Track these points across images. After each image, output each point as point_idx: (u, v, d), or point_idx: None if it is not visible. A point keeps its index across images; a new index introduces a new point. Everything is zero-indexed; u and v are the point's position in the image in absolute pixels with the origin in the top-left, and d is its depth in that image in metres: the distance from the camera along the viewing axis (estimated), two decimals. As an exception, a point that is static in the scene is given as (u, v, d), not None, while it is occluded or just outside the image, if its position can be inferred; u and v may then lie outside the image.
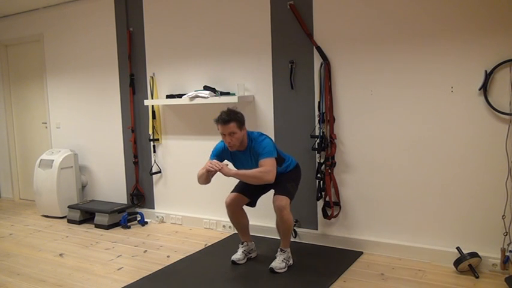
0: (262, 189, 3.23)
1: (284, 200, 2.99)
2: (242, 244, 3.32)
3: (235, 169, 3.08)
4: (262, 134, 3.10)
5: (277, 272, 3.03)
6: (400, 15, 3.16)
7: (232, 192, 3.23)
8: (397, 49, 3.20)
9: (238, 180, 3.23)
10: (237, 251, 3.31)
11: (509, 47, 2.82)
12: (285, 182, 3.11)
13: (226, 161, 3.16)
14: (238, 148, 3.05)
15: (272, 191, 3.12)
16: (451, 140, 3.07)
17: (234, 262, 3.23)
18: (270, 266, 3.07)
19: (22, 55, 5.68)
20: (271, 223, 3.82)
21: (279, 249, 3.16)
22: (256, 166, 2.99)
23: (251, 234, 3.42)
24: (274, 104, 3.73)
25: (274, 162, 2.97)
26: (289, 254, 3.16)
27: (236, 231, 3.42)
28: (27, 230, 4.48)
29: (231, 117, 2.93)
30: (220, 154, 3.15)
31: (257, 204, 3.33)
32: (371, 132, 3.36)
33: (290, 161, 3.23)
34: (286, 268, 3.08)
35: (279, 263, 3.08)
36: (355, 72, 3.37)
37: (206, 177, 3.02)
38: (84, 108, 5.08)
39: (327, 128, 3.49)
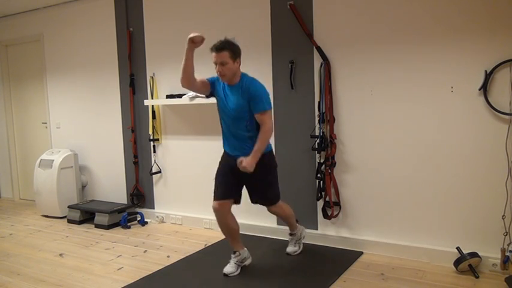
0: (242, 184, 3.07)
1: (273, 207, 3.16)
2: (234, 254, 3.08)
3: (250, 157, 2.82)
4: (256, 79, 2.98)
5: (292, 255, 3.35)
6: (400, 15, 3.16)
7: (215, 199, 2.99)
8: (397, 49, 3.20)
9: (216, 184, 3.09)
10: (229, 262, 3.09)
11: (509, 47, 2.82)
12: (265, 188, 3.06)
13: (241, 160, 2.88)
14: (229, 82, 2.92)
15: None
16: (450, 140, 3.07)
17: (225, 275, 3.01)
18: (286, 251, 3.40)
19: (22, 55, 5.68)
20: (271, 223, 3.83)
21: (288, 234, 3.41)
22: (244, 105, 2.87)
23: (251, 234, 3.42)
24: (274, 104, 3.72)
25: (271, 114, 2.90)
26: (299, 233, 3.42)
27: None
28: (27, 230, 4.48)
29: (224, 46, 2.79)
30: (214, 81, 3.03)
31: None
32: (371, 132, 3.36)
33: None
34: (300, 249, 3.42)
35: (292, 246, 3.41)
36: (355, 72, 3.37)
37: (187, 63, 2.84)
38: (84, 108, 5.08)
39: (327, 128, 3.49)
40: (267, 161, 2.99)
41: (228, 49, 2.81)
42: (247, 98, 2.87)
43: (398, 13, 3.17)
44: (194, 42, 2.79)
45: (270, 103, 2.92)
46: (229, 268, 3.05)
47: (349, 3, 3.34)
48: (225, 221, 3.00)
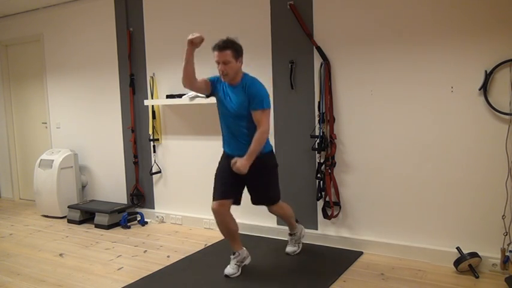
0: (243, 184, 3.04)
1: (273, 207, 3.16)
2: (234, 255, 3.06)
3: (244, 158, 2.80)
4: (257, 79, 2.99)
5: (291, 255, 3.35)
6: (400, 15, 3.16)
7: (215, 199, 2.97)
8: (397, 49, 3.20)
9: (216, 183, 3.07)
10: (229, 264, 3.07)
11: (509, 47, 2.82)
12: (265, 188, 3.07)
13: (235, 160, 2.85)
14: (231, 82, 2.92)
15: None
16: (450, 140, 3.07)
17: (227, 276, 2.99)
18: (286, 251, 3.41)
19: (22, 55, 5.68)
20: (271, 223, 3.83)
21: (288, 234, 3.41)
22: (244, 104, 2.87)
23: (251, 234, 3.42)
24: (274, 104, 3.72)
25: (269, 115, 2.91)
26: (299, 233, 3.42)
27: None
28: (27, 230, 4.48)
29: (227, 45, 2.80)
30: (214, 81, 3.02)
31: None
32: (371, 132, 3.36)
33: (267, 141, 3.00)
34: (299, 249, 3.43)
35: (292, 246, 3.42)
36: (355, 72, 3.37)
37: (188, 61, 2.82)
38: (84, 108, 5.08)
39: (327, 128, 3.49)
40: (266, 161, 3.00)
41: (230, 48, 2.82)
42: (248, 97, 2.88)
43: (399, 13, 3.17)
44: (194, 43, 2.78)
45: (269, 103, 2.93)
46: (230, 269, 3.03)
47: (349, 3, 3.34)
48: (224, 222, 2.97)
